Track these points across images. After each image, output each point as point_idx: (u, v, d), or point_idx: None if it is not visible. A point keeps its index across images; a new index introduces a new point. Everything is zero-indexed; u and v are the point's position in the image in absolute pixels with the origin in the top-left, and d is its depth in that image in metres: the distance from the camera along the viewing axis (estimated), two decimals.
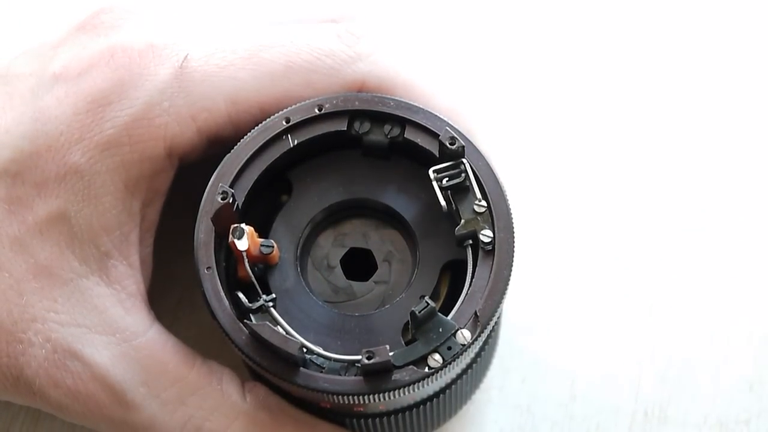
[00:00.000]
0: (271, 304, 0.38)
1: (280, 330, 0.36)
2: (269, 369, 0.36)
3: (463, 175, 0.38)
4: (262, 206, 0.41)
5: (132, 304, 0.40)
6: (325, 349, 0.37)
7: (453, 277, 0.39)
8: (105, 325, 0.39)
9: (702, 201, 0.51)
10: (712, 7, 0.56)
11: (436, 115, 0.40)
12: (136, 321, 0.39)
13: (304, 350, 0.37)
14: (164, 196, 0.42)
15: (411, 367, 0.36)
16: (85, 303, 0.39)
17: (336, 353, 0.37)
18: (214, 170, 0.39)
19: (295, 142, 0.40)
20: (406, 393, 0.36)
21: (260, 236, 0.39)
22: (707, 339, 0.48)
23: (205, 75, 0.40)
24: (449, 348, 0.36)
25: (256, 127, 0.40)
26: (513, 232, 0.38)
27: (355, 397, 0.36)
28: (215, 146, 0.41)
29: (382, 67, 0.41)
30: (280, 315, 0.38)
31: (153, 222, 0.42)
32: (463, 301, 0.37)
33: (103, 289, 0.39)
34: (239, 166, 0.39)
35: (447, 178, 0.38)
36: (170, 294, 0.47)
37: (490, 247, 0.38)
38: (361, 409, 0.39)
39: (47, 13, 0.55)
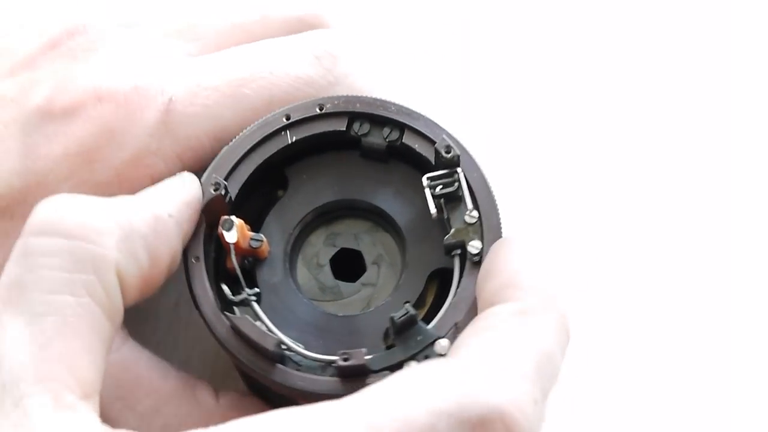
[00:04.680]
0: (253, 298, 0.38)
1: (260, 325, 0.37)
2: (247, 363, 0.36)
3: (456, 184, 0.38)
4: (257, 200, 0.41)
5: None
6: (306, 347, 0.37)
7: (440, 286, 0.39)
8: None
9: (699, 199, 0.51)
10: (711, 9, 0.55)
11: (434, 123, 0.40)
12: None
13: (282, 347, 0.37)
14: None
15: (387, 372, 0.36)
16: None
17: (317, 352, 0.37)
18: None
19: (293, 139, 0.40)
20: None
21: (252, 230, 0.39)
22: (706, 336, 0.48)
23: (190, 116, 0.41)
24: (427, 357, 0.36)
25: (255, 122, 0.40)
26: None
27: (329, 398, 0.36)
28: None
29: (358, 89, 0.42)
30: (265, 310, 0.38)
31: None
32: (446, 311, 0.37)
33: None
34: (236, 160, 0.39)
35: (440, 186, 0.38)
36: (169, 294, 0.48)
37: (477, 259, 0.37)
38: None
39: None
